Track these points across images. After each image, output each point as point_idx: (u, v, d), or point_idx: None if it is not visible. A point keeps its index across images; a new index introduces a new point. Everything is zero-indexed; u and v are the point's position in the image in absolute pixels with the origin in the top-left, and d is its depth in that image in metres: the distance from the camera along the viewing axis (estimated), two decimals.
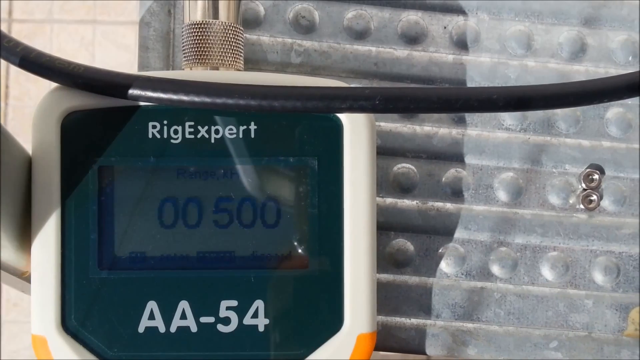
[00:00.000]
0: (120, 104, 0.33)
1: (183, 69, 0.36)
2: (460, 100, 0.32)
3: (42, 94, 1.26)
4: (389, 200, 0.41)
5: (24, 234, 0.34)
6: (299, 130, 0.34)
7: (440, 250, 0.41)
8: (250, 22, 0.41)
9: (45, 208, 0.33)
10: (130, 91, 0.32)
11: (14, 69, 1.29)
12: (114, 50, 1.33)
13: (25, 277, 0.36)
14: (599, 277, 0.41)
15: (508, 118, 0.41)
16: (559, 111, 0.41)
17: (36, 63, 0.32)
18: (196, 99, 0.32)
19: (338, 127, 0.34)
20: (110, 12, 1.34)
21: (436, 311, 0.41)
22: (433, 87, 0.39)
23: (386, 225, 0.41)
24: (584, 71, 0.42)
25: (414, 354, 0.41)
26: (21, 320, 1.27)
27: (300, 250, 0.35)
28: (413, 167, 0.41)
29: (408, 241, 0.41)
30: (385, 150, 0.41)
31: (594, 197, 0.41)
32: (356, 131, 0.34)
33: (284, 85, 0.32)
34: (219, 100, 0.32)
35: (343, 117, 0.34)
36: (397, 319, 0.41)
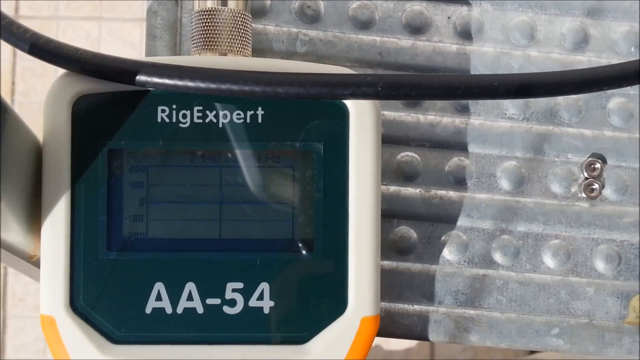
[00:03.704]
0: (130, 89, 0.34)
1: (192, 55, 0.37)
2: (462, 87, 0.32)
3: (47, 91, 1.27)
4: (393, 188, 0.41)
5: (33, 218, 0.35)
6: (305, 116, 0.35)
7: (443, 238, 0.41)
8: (257, 11, 0.41)
9: (55, 190, 0.34)
10: (137, 77, 0.33)
11: (20, 66, 1.30)
12: (120, 47, 1.34)
13: (34, 262, 0.37)
14: (600, 265, 0.41)
15: (511, 107, 0.42)
16: (561, 101, 0.42)
17: (45, 49, 0.33)
18: (201, 85, 0.32)
19: (344, 113, 0.35)
20: (115, 10, 1.35)
21: (439, 298, 0.41)
22: (435, 75, 0.40)
23: (389, 213, 0.41)
24: (586, 61, 0.42)
25: (417, 340, 0.41)
26: (27, 315, 1.27)
27: (305, 234, 0.35)
28: (416, 156, 0.42)
29: (411, 229, 0.41)
30: (389, 139, 0.41)
31: (596, 186, 0.41)
32: (362, 117, 0.35)
33: (289, 71, 0.33)
34: (223, 86, 0.32)
35: (349, 103, 0.35)
36: (400, 305, 0.41)
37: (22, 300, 1.29)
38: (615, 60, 0.42)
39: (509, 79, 0.33)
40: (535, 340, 0.41)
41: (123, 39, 1.34)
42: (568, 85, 0.33)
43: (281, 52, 0.42)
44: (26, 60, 1.25)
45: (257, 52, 0.41)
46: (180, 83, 0.32)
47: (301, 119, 0.35)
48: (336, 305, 0.35)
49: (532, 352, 1.13)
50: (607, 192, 0.42)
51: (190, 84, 0.32)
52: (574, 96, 0.42)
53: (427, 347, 1.20)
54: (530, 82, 0.33)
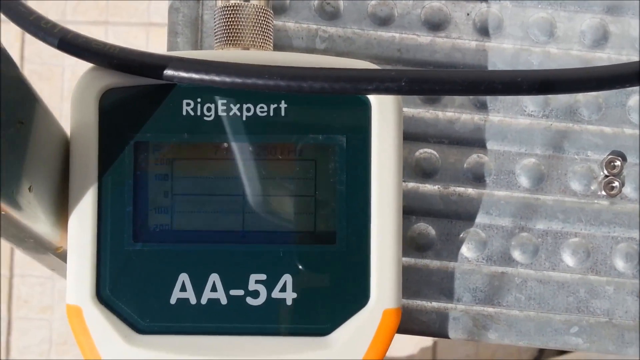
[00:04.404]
0: (156, 82, 0.34)
1: (215, 50, 0.37)
2: (485, 83, 0.32)
3: (55, 93, 1.27)
4: (411, 185, 0.42)
5: (60, 210, 0.35)
6: (328, 109, 0.35)
7: (461, 235, 0.41)
8: (276, 8, 0.42)
9: (83, 181, 0.34)
10: (164, 72, 0.33)
11: (28, 69, 1.30)
12: None
13: (59, 254, 0.37)
14: (620, 263, 0.41)
15: (530, 104, 0.42)
16: (581, 98, 0.42)
17: (73, 44, 0.33)
18: (227, 79, 0.33)
19: (366, 107, 0.35)
20: (122, 14, 1.35)
21: (457, 295, 0.41)
22: (458, 70, 0.40)
23: (408, 210, 0.41)
24: (606, 58, 0.42)
25: (435, 337, 0.41)
26: (32, 317, 1.27)
27: (328, 226, 0.35)
28: (435, 152, 0.42)
29: (429, 225, 0.41)
30: (408, 135, 0.41)
31: (616, 184, 0.41)
32: (384, 111, 0.35)
33: (313, 66, 0.33)
34: (249, 81, 0.33)
35: (371, 97, 0.35)
36: (418, 302, 0.41)
37: (27, 302, 1.29)
38: (635, 58, 0.42)
39: (532, 74, 0.33)
40: (554, 339, 0.41)
41: (129, 42, 1.34)
42: (591, 82, 0.33)
43: (301, 48, 0.42)
44: (34, 64, 1.26)
45: (277, 48, 0.41)
46: (206, 77, 0.33)
47: (324, 112, 0.35)
48: (358, 297, 0.35)
49: (538, 355, 1.13)
50: (627, 190, 0.42)
51: (216, 78, 0.33)
52: (593, 93, 0.42)
53: (429, 352, 1.20)
54: (553, 79, 0.33)
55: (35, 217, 0.32)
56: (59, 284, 1.24)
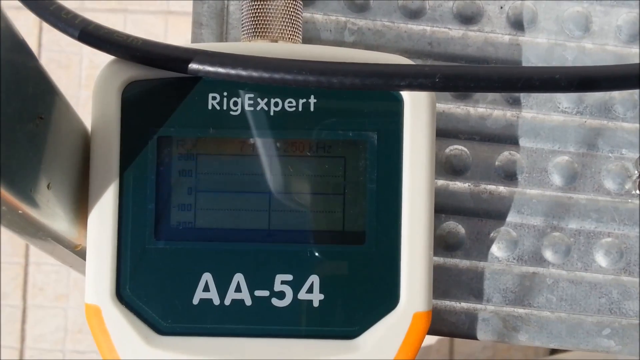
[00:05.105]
0: (181, 75, 0.33)
1: (242, 42, 0.36)
2: (522, 80, 0.31)
3: (72, 82, 1.26)
4: (441, 182, 0.40)
5: (79, 208, 0.34)
6: (359, 105, 0.34)
7: (492, 234, 0.40)
8: None
9: (103, 177, 0.33)
10: (189, 65, 0.32)
11: (45, 57, 1.30)
12: None
13: (78, 252, 0.36)
14: None
15: (564, 100, 0.40)
16: (616, 95, 0.40)
17: (94, 35, 0.32)
18: (254, 74, 0.32)
19: (399, 103, 0.34)
20: (141, 2, 1.35)
21: (487, 296, 0.40)
22: (494, 66, 0.39)
23: (437, 208, 0.40)
24: None
25: (464, 338, 0.40)
26: (47, 305, 1.27)
27: (357, 226, 0.34)
28: (466, 149, 0.40)
29: (459, 224, 0.40)
30: (438, 131, 0.40)
31: None
32: (417, 107, 0.34)
33: (344, 60, 0.32)
34: (277, 76, 0.32)
35: (404, 92, 0.34)
36: (447, 302, 0.40)
37: (43, 290, 1.29)
38: None
39: (571, 71, 0.31)
40: (586, 341, 0.40)
41: (147, 31, 1.34)
42: (631, 79, 0.31)
43: (329, 41, 0.41)
44: (52, 52, 1.25)
45: (305, 41, 0.40)
46: (232, 72, 0.32)
47: (355, 108, 0.34)
48: (387, 299, 0.34)
49: (552, 353, 1.12)
50: None
51: (243, 72, 0.32)
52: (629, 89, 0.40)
53: (446, 345, 1.19)
54: (593, 76, 0.31)
55: (53, 215, 0.31)
56: (74, 272, 1.24)
